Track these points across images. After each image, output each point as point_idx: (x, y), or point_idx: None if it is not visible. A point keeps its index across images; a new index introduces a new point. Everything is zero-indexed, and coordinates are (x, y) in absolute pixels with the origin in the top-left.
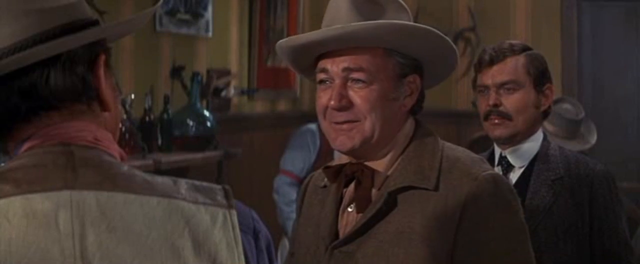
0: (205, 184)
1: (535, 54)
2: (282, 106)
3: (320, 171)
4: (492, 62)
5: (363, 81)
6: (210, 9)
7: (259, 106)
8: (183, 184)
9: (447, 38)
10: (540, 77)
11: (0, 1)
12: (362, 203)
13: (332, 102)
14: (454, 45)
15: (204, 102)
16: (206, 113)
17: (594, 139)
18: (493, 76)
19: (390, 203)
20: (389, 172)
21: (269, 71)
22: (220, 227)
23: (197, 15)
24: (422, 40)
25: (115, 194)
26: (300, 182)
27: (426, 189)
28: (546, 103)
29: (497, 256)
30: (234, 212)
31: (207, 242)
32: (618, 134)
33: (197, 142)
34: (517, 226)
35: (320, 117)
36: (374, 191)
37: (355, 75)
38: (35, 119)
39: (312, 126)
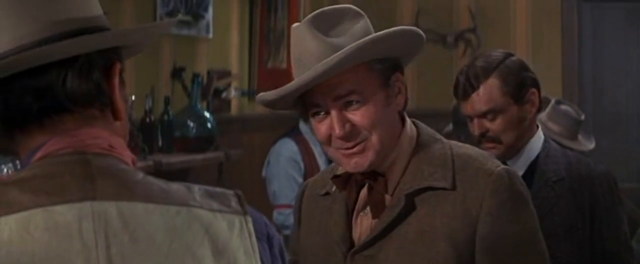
0: (218, 190)
1: (508, 67)
2: None
3: (314, 178)
4: (467, 93)
5: (357, 101)
6: (210, 10)
7: (259, 107)
8: (196, 190)
9: (413, 29)
10: (518, 91)
11: (25, 2)
12: (377, 207)
13: (338, 132)
14: (412, 29)
15: (205, 104)
16: (207, 114)
17: (591, 145)
18: (472, 106)
19: (409, 206)
20: (399, 175)
21: (269, 72)
22: (238, 234)
23: (197, 16)
24: (392, 43)
25: (136, 204)
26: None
27: (444, 188)
28: (533, 108)
29: (519, 247)
30: (249, 218)
31: (226, 250)
32: (619, 134)
33: (197, 144)
34: (533, 217)
35: (325, 145)
36: (388, 196)
37: (347, 98)
38: (48, 122)
39: (288, 148)
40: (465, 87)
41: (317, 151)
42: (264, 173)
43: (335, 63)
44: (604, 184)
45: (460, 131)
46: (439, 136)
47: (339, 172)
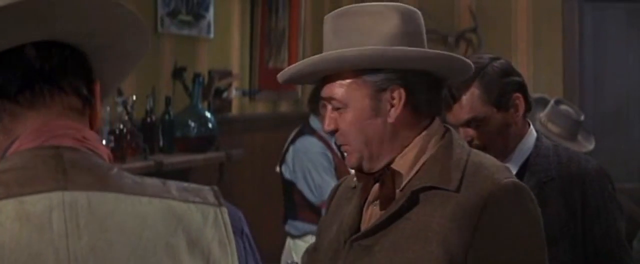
0: (193, 185)
1: (488, 74)
2: (284, 107)
3: (353, 174)
4: (448, 105)
5: (339, 108)
6: (211, 10)
7: (260, 107)
8: (172, 184)
9: (405, 49)
10: (500, 98)
11: None
12: (385, 201)
13: (325, 127)
14: (425, 53)
15: (206, 104)
16: (208, 114)
17: (591, 146)
18: (455, 116)
19: (412, 201)
20: (412, 173)
21: (270, 72)
22: (212, 225)
23: (198, 16)
24: (383, 60)
25: (107, 194)
26: None
27: (448, 190)
28: (518, 113)
29: (512, 262)
30: (224, 210)
31: (200, 240)
32: (619, 134)
33: (198, 144)
34: (534, 235)
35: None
36: (398, 191)
37: (332, 102)
38: (40, 98)
39: (315, 144)
40: (446, 98)
41: (333, 144)
42: (287, 175)
43: (301, 68)
44: (595, 181)
45: None
46: (464, 143)
47: None
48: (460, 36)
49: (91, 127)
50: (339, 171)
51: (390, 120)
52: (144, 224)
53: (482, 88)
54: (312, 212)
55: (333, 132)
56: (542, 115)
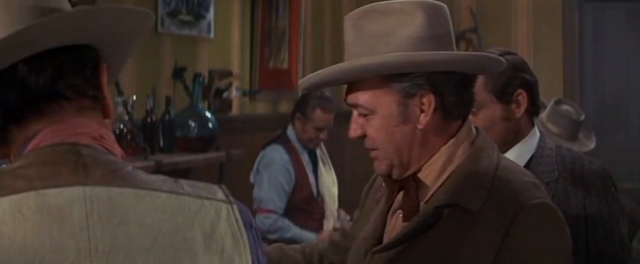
0: (203, 183)
1: None
2: (284, 107)
3: None
4: None
5: (365, 114)
6: (211, 10)
7: (260, 107)
8: (183, 182)
9: (427, 53)
10: (503, 89)
11: None
12: (409, 211)
13: (350, 133)
14: (452, 55)
15: (206, 103)
16: (208, 114)
17: (592, 144)
18: None
19: (435, 217)
20: (438, 184)
21: (270, 72)
22: (225, 220)
23: (198, 16)
24: (405, 66)
25: (126, 190)
26: (304, 210)
27: (471, 210)
28: (519, 109)
29: None
30: (235, 207)
31: (214, 235)
32: (620, 135)
33: (198, 144)
34: (558, 259)
35: None
36: (422, 203)
37: (358, 109)
38: (46, 109)
39: (280, 157)
40: None
41: (304, 158)
42: (252, 179)
43: (323, 76)
44: (598, 183)
45: None
46: (493, 151)
47: None
48: (460, 36)
49: (105, 116)
50: (299, 184)
51: (420, 126)
52: (163, 218)
53: (486, 77)
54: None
55: (360, 138)
56: (543, 115)
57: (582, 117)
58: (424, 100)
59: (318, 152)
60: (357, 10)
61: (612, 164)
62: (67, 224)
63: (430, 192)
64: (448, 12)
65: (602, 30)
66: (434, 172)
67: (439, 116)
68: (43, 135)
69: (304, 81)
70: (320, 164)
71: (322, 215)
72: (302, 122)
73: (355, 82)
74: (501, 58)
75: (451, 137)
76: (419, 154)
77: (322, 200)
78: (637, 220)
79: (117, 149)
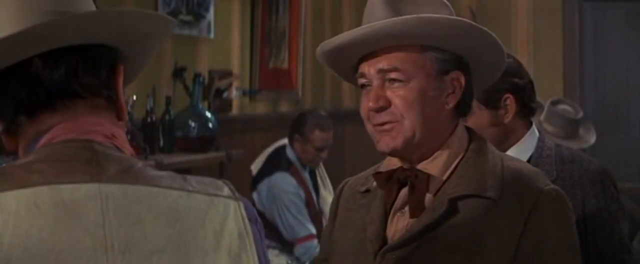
0: (208, 178)
1: None
2: (284, 107)
3: (356, 176)
4: None
5: (400, 80)
6: (211, 10)
7: (260, 107)
8: (191, 178)
9: (489, 32)
10: (489, 95)
11: None
12: (416, 207)
13: (371, 104)
14: (498, 40)
15: (206, 103)
16: (208, 114)
17: (593, 139)
18: None
19: (450, 210)
20: (444, 178)
21: (270, 72)
22: (232, 217)
23: (198, 16)
24: (459, 35)
25: (140, 187)
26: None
27: (489, 198)
28: (508, 115)
29: None
30: (242, 204)
31: (223, 232)
32: (620, 134)
33: (199, 143)
34: (574, 243)
35: (365, 121)
36: (428, 196)
37: (391, 75)
38: (60, 105)
39: (290, 183)
40: None
41: (306, 177)
42: (259, 206)
43: (379, 27)
44: (597, 182)
45: None
46: (491, 146)
47: (382, 170)
48: None
49: (119, 118)
50: (309, 206)
51: (448, 107)
52: (176, 216)
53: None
54: (275, 240)
55: (379, 110)
56: (541, 117)
57: (580, 115)
58: (457, 79)
59: (316, 169)
60: None
61: (612, 164)
62: (83, 220)
63: (438, 186)
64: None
65: (602, 30)
66: (440, 165)
67: (458, 103)
68: (56, 131)
69: (326, 43)
70: (319, 180)
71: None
72: (301, 143)
73: (389, 48)
74: (492, 39)
75: (452, 131)
76: (436, 137)
77: (322, 214)
78: (637, 220)
79: (128, 149)
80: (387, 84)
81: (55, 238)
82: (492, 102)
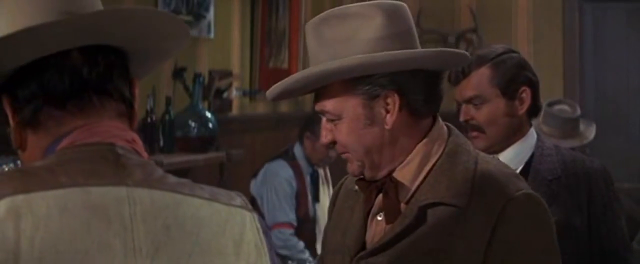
0: (220, 188)
1: (505, 61)
2: (284, 107)
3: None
4: (458, 79)
5: (333, 120)
6: (212, 10)
7: (260, 107)
8: (206, 187)
9: (384, 54)
10: (508, 85)
11: None
12: (390, 213)
13: (322, 139)
14: (404, 53)
15: (206, 104)
16: (208, 114)
17: (592, 135)
18: (460, 92)
19: (420, 218)
20: (416, 184)
21: (270, 72)
22: (249, 228)
23: (198, 16)
24: (367, 68)
25: (166, 194)
26: (296, 229)
27: (457, 206)
28: (523, 107)
29: None
30: (256, 215)
31: (242, 242)
32: (620, 134)
33: (199, 144)
34: (548, 248)
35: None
36: (403, 204)
37: (326, 115)
38: (88, 104)
39: (286, 172)
40: (457, 73)
41: (307, 179)
42: (253, 190)
43: (288, 85)
44: (601, 181)
45: None
46: (469, 146)
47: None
48: (460, 36)
49: (131, 126)
50: (300, 199)
51: (387, 127)
52: (201, 224)
53: (494, 70)
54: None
55: (331, 144)
56: (539, 118)
57: (577, 113)
58: (389, 100)
59: (321, 173)
60: (315, 18)
61: (612, 164)
62: (113, 223)
63: (410, 193)
64: (408, 10)
65: (602, 30)
66: (411, 172)
67: (406, 115)
68: (79, 133)
69: (271, 90)
70: (322, 187)
71: (313, 239)
72: (312, 141)
73: (321, 89)
74: (466, 53)
75: (424, 136)
76: (391, 154)
77: (317, 223)
78: (637, 220)
79: (145, 155)
80: (328, 120)
81: (86, 240)
82: (510, 91)
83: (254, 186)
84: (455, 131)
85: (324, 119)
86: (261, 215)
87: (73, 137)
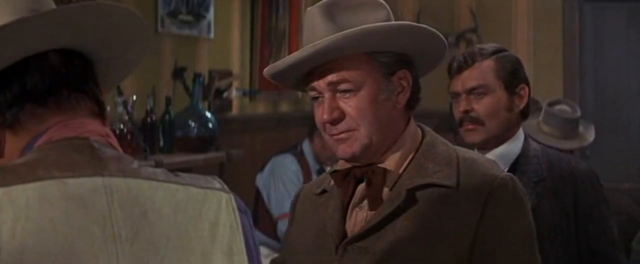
0: (198, 175)
1: (506, 56)
2: (284, 107)
3: (311, 182)
4: (461, 69)
5: (350, 90)
6: (212, 10)
7: (260, 107)
8: (183, 175)
9: (427, 27)
10: (511, 79)
11: None
12: (374, 201)
13: (325, 117)
14: (435, 32)
15: (206, 104)
16: (208, 114)
17: (591, 137)
18: (463, 82)
19: (409, 200)
20: (400, 171)
21: None
22: (224, 210)
23: (198, 16)
24: (400, 36)
25: (142, 181)
26: None
27: (447, 187)
28: (520, 104)
29: (517, 253)
30: (233, 196)
31: (218, 224)
32: (619, 134)
33: (199, 144)
34: (531, 228)
35: (322, 131)
36: (385, 190)
37: (341, 86)
38: (66, 102)
39: (292, 165)
40: (460, 63)
41: (313, 176)
42: (259, 182)
43: (321, 47)
44: (587, 182)
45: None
46: (445, 140)
47: (338, 168)
48: (460, 36)
49: (103, 126)
50: None
51: (399, 106)
52: (177, 208)
53: (499, 63)
54: (270, 224)
55: (335, 122)
56: (539, 118)
57: (578, 114)
58: (403, 80)
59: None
60: (318, 4)
61: (612, 164)
62: (91, 212)
63: (395, 179)
64: None
65: (602, 30)
66: (396, 160)
67: (408, 100)
68: (55, 130)
69: (271, 67)
70: None
71: None
72: (321, 138)
73: (335, 60)
74: (432, 32)
75: (404, 129)
76: (390, 137)
77: None
78: (637, 220)
79: (119, 149)
80: (338, 95)
81: (67, 229)
82: (511, 86)
83: (260, 179)
84: (428, 128)
85: (327, 96)
86: (266, 209)
87: (50, 135)
